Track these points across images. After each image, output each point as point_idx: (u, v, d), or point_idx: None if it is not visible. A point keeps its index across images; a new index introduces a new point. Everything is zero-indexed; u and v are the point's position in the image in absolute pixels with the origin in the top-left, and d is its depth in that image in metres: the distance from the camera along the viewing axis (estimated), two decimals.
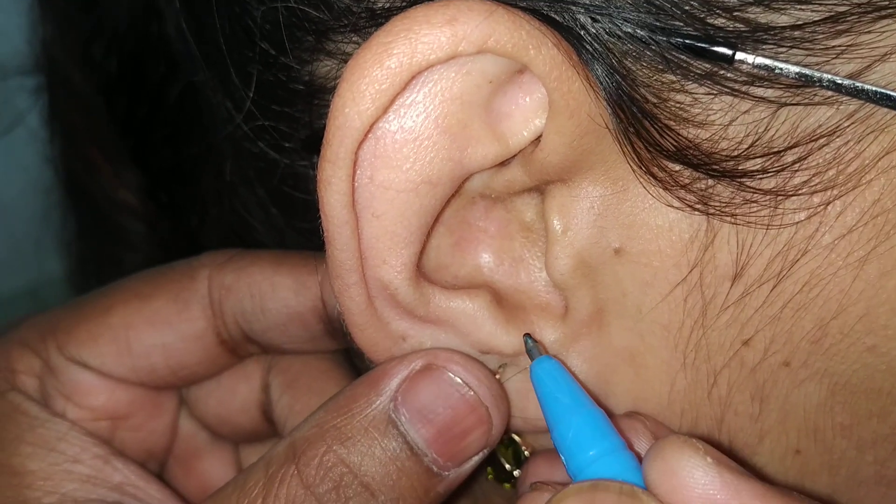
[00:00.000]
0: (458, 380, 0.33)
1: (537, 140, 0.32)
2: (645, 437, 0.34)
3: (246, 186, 0.41)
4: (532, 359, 0.34)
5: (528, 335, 0.34)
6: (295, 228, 0.41)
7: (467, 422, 0.33)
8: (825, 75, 0.30)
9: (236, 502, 0.33)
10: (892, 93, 0.30)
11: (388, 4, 0.32)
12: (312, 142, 0.35)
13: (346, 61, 0.31)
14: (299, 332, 0.41)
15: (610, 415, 0.33)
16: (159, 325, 0.41)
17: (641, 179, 0.31)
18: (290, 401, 0.42)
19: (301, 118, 0.36)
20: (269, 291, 0.40)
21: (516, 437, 0.37)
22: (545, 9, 0.30)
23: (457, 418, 0.33)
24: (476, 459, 0.34)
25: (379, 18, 0.32)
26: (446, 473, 0.33)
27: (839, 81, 0.30)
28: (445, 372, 0.33)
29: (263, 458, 0.34)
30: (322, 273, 0.39)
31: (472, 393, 0.33)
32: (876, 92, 0.30)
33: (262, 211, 0.41)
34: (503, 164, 0.33)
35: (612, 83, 0.30)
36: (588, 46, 0.30)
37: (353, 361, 0.43)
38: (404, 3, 0.31)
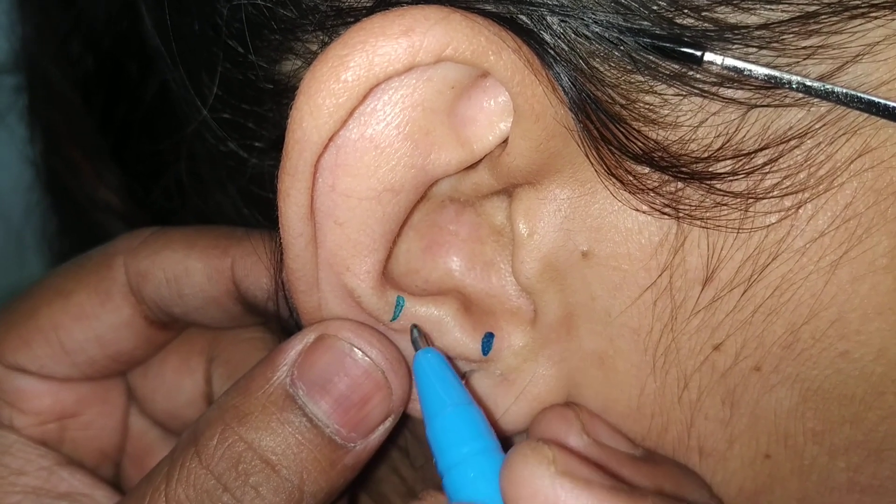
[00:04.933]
0: (352, 346, 0.33)
1: (504, 143, 0.31)
2: (575, 427, 0.33)
3: (218, 186, 0.41)
4: (416, 349, 0.33)
5: (415, 326, 0.34)
6: (268, 228, 0.41)
7: (365, 388, 0.33)
8: (794, 77, 0.29)
9: (143, 491, 0.33)
10: (862, 95, 0.29)
11: (354, 3, 0.32)
12: (282, 141, 0.35)
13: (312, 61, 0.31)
14: (219, 314, 0.40)
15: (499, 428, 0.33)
16: (86, 319, 0.40)
17: (606, 183, 0.31)
18: None
19: (271, 117, 0.36)
20: (184, 277, 0.39)
21: None
22: (509, 11, 0.30)
23: (353, 385, 0.33)
24: (383, 428, 0.34)
25: (346, 17, 0.32)
26: (352, 445, 0.33)
27: (808, 84, 0.29)
28: (338, 340, 0.33)
29: (175, 446, 0.34)
30: (233, 256, 0.39)
31: (366, 358, 0.33)
32: (846, 94, 0.29)
33: (234, 211, 0.41)
34: (470, 167, 0.32)
35: (575, 87, 0.30)
36: (551, 50, 0.30)
37: None
38: (367, 3, 0.31)
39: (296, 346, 0.33)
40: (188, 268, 0.39)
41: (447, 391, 0.32)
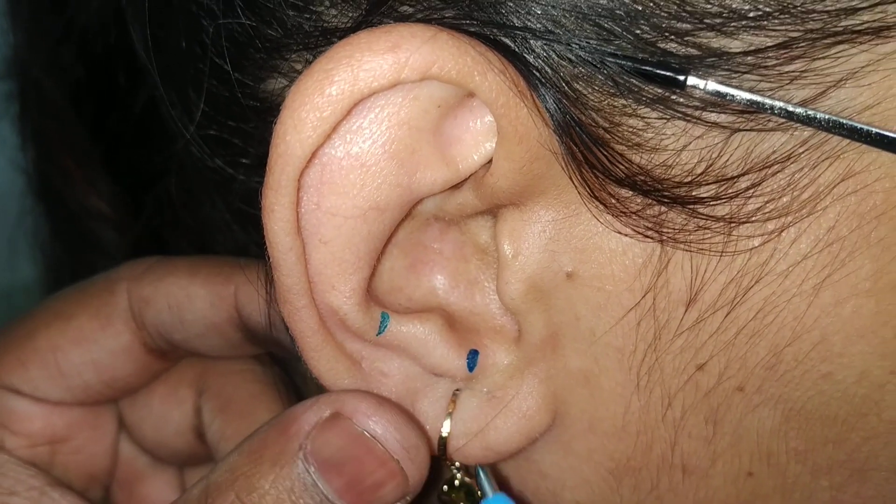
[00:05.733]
0: (365, 432, 0.32)
1: (489, 163, 0.31)
2: None
3: (207, 200, 0.41)
4: (484, 495, 0.33)
5: (481, 468, 0.33)
6: (256, 244, 0.41)
7: (378, 475, 0.33)
8: (777, 103, 0.29)
9: None
10: (844, 120, 0.29)
11: (339, 24, 0.32)
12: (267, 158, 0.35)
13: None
14: (219, 342, 0.40)
15: None
16: (84, 343, 0.40)
17: (590, 205, 0.31)
18: (221, 425, 0.41)
19: (256, 134, 0.36)
20: (186, 303, 0.40)
21: (467, 479, 0.36)
22: (493, 34, 0.30)
23: (367, 472, 0.32)
24: None
25: (331, 37, 0.32)
26: None
27: (790, 109, 0.29)
28: (351, 423, 0.33)
29: (180, 500, 0.34)
30: (236, 283, 0.39)
31: (381, 447, 0.32)
32: (828, 119, 0.29)
33: (224, 224, 0.41)
34: (455, 187, 0.32)
35: (559, 110, 0.30)
36: (536, 72, 0.30)
37: (288, 374, 0.43)
38: (352, 24, 0.31)
39: (310, 419, 0.33)
40: (191, 294, 0.39)
41: None
